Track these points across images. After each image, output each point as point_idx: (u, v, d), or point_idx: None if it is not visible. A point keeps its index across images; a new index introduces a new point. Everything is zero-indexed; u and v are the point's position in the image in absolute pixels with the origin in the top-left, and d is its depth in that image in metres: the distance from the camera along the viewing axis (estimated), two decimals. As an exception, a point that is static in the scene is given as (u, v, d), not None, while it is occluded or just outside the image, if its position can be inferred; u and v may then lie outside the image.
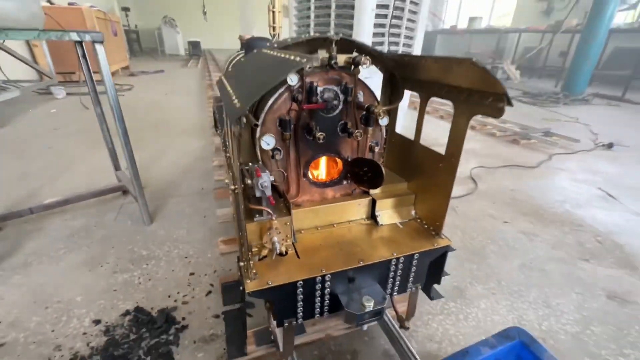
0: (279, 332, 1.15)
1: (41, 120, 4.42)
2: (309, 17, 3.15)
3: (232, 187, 0.76)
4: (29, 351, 1.27)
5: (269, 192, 0.94)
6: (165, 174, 2.87)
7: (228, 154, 1.26)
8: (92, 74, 2.09)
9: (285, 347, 1.05)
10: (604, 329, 1.46)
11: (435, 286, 1.24)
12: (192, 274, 1.70)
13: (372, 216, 1.21)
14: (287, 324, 0.98)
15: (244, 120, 0.69)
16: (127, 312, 1.45)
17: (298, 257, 1.00)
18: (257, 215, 0.97)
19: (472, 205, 2.51)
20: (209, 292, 1.58)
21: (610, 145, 3.89)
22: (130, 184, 2.11)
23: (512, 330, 0.92)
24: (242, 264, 0.88)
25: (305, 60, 0.58)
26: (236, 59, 2.37)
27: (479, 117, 5.46)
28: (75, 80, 6.76)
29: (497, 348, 0.88)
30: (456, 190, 2.74)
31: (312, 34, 3.22)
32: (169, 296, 1.55)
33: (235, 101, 0.59)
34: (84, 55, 2.03)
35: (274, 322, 1.16)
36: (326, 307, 1.01)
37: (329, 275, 0.95)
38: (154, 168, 2.98)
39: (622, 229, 2.24)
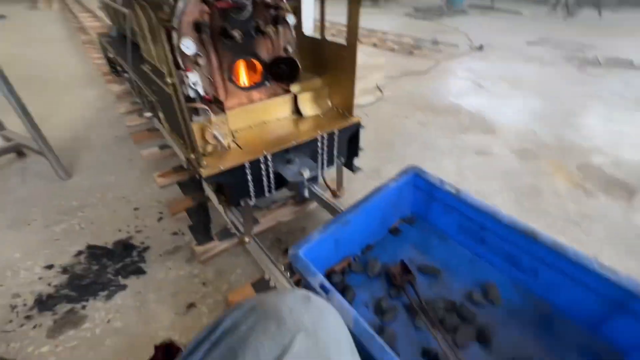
0: (237, 222, 1.35)
1: None
2: None
3: (168, 80, 0.84)
4: (-17, 307, 1.25)
5: (202, 91, 1.03)
6: (65, 130, 2.55)
7: (148, 67, 1.26)
8: None
9: (246, 226, 1.27)
10: (472, 172, 2.03)
11: (356, 164, 1.55)
12: (136, 208, 1.73)
13: (297, 111, 1.40)
14: (243, 205, 1.18)
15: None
16: (80, 252, 1.48)
17: (240, 148, 1.16)
18: (195, 116, 1.07)
19: (380, 110, 2.89)
20: (160, 218, 1.67)
21: (481, 47, 4.64)
22: (31, 140, 1.88)
23: (409, 168, 1.28)
24: (192, 155, 1.00)
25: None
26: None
27: (380, 35, 5.69)
28: None
29: (399, 180, 1.23)
30: (366, 99, 3.09)
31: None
32: (120, 230, 1.59)
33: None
34: None
35: (232, 216, 1.35)
36: (273, 185, 1.22)
37: (270, 155, 1.14)
38: (47, 126, 2.57)
39: (486, 108, 2.90)
